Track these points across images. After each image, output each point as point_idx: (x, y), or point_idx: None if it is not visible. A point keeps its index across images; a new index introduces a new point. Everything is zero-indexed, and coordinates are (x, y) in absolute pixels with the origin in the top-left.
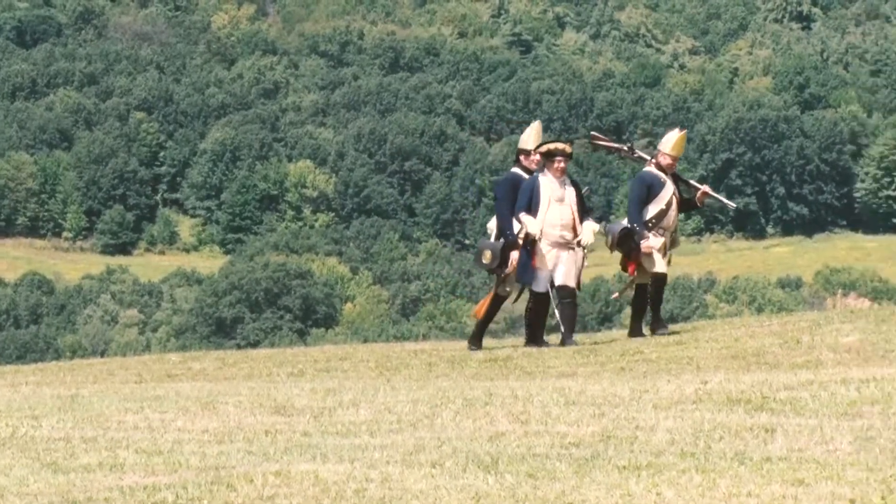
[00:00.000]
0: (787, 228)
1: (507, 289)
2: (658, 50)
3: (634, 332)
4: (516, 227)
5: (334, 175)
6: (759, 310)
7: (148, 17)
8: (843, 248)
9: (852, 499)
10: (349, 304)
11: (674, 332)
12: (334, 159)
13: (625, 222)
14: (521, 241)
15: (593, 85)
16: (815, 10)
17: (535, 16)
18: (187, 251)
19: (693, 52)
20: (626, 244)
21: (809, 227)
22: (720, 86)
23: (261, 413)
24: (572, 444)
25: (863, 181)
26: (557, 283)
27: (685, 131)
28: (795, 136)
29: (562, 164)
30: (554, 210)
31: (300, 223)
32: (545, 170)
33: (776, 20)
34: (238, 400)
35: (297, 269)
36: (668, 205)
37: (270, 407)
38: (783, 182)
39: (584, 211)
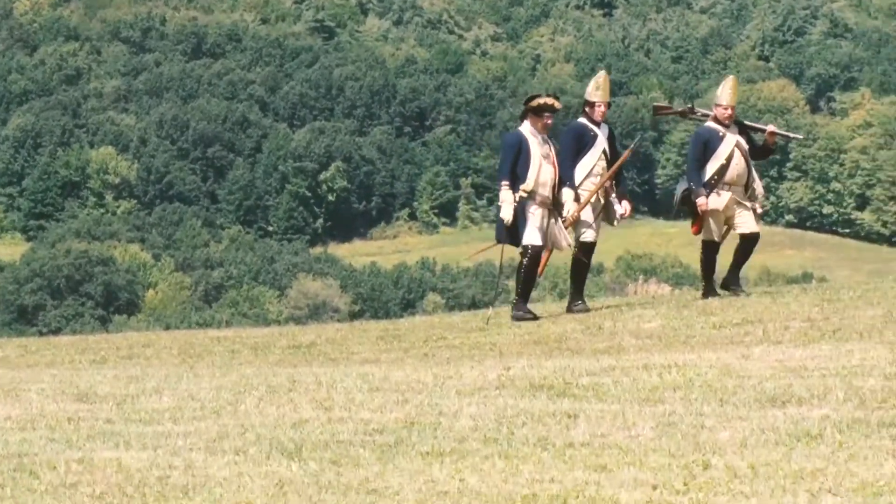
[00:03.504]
0: None
1: (568, 242)
2: (460, 36)
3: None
4: (577, 176)
5: (136, 161)
6: (561, 296)
7: None
8: (644, 234)
9: (655, 485)
10: (151, 291)
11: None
12: (136, 146)
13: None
14: (507, 216)
15: (396, 71)
16: None
17: (337, 2)
18: None
19: (495, 38)
20: (689, 203)
21: None
22: (522, 72)
23: (63, 400)
24: (376, 431)
25: (664, 167)
26: (553, 245)
27: (733, 77)
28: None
29: (550, 121)
30: (544, 169)
31: (102, 210)
32: (526, 122)
33: (578, 7)
34: (40, 387)
35: (99, 256)
36: (729, 158)
37: (73, 394)
38: None
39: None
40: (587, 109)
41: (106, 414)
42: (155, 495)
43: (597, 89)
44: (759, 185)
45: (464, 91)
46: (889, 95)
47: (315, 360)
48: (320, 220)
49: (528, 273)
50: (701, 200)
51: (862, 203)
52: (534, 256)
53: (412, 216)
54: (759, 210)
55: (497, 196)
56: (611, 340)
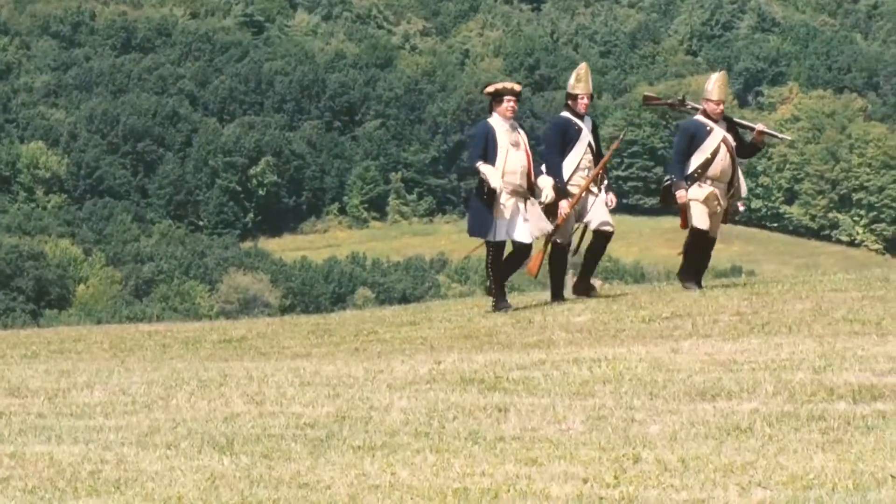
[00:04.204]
0: None
1: (562, 238)
2: (389, 31)
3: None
4: (565, 172)
5: (67, 156)
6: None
7: None
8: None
9: (585, 478)
10: (82, 286)
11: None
12: (67, 140)
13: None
14: (484, 195)
15: (325, 66)
16: None
17: None
18: None
19: (424, 33)
20: (671, 197)
21: None
22: (451, 67)
23: None
24: (307, 425)
25: None
26: (517, 239)
27: (724, 71)
28: (526, 117)
29: (511, 104)
30: (512, 156)
31: (33, 205)
32: (493, 113)
33: (506, 1)
34: None
35: (29, 251)
36: (714, 153)
37: (4, 389)
38: None
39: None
40: (570, 103)
41: (37, 408)
42: (87, 489)
43: (578, 81)
44: (742, 184)
45: (393, 86)
46: (817, 90)
47: (246, 355)
48: (250, 215)
49: (493, 267)
50: (680, 193)
51: (790, 197)
52: (497, 252)
53: (342, 211)
54: (742, 209)
55: (464, 195)
56: (541, 334)
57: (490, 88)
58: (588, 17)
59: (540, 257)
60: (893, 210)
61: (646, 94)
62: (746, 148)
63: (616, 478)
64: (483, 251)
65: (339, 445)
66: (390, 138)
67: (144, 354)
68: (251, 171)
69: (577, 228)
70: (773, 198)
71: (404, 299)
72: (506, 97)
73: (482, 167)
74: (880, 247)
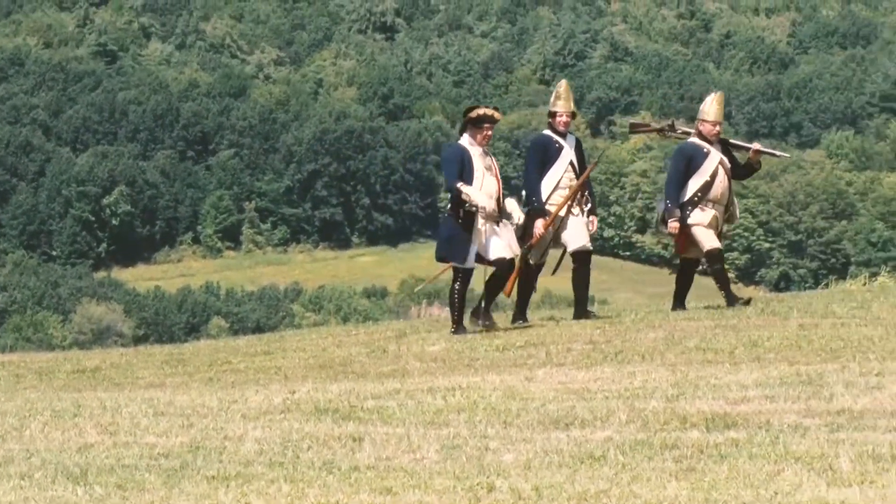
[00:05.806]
0: (373, 238)
1: (534, 259)
2: (243, 60)
3: (676, 306)
4: (544, 191)
5: None
6: (346, 319)
7: None
8: (426, 258)
9: None
10: None
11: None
12: None
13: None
14: (460, 218)
15: (179, 95)
16: (399, 20)
17: (120, 26)
18: None
19: (278, 62)
20: (667, 221)
21: (394, 236)
22: (305, 96)
23: None
24: (161, 455)
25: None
26: (494, 256)
27: (721, 93)
28: (380, 147)
29: (489, 133)
30: (487, 180)
31: None
32: (466, 136)
33: (360, 31)
34: None
35: None
36: (714, 175)
37: None
38: (368, 192)
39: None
40: (550, 120)
41: None
42: None
43: (558, 99)
44: (736, 207)
45: (247, 115)
46: (669, 119)
47: (100, 385)
48: (104, 245)
49: (460, 297)
50: (672, 223)
51: (643, 226)
52: (465, 279)
53: (196, 240)
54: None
55: (438, 218)
56: (395, 363)
57: (473, 113)
58: (441, 46)
59: (514, 277)
60: (745, 239)
61: (631, 121)
62: (741, 169)
63: None
64: (448, 274)
65: (193, 475)
66: (244, 167)
67: None
68: (104, 201)
69: (548, 249)
70: (625, 227)
71: (258, 329)
72: (485, 125)
73: (463, 188)
74: (732, 276)
